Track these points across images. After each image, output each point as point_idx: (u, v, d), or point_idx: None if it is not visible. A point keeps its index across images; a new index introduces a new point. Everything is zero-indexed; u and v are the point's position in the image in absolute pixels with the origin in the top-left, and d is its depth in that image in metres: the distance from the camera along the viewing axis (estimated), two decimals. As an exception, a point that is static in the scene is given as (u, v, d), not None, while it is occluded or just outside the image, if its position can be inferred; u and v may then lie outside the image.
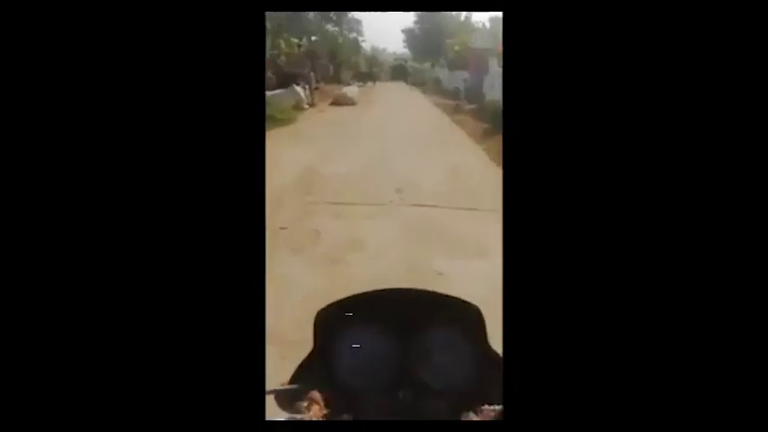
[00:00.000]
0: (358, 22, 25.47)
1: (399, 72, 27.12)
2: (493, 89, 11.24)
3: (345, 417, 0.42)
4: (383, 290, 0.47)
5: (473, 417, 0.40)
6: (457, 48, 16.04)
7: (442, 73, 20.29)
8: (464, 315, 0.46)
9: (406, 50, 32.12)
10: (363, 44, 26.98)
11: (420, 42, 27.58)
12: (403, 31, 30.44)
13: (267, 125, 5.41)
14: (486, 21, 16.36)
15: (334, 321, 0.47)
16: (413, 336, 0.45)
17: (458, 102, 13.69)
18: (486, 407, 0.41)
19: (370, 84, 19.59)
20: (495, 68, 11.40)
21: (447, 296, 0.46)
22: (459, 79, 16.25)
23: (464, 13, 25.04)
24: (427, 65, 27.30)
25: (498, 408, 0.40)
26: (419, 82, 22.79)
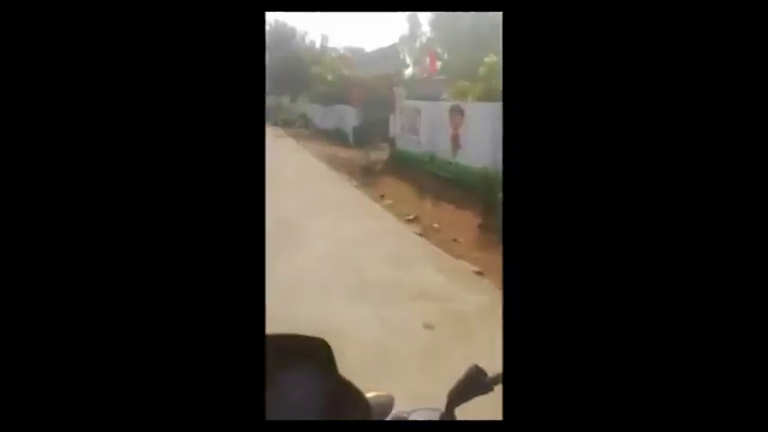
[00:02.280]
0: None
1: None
2: (407, 133, 7.60)
3: None
4: None
5: None
6: (331, 77, 12.19)
7: (313, 110, 16.29)
8: (312, 351, 0.47)
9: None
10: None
11: (273, 72, 23.12)
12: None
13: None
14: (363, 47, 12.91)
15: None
16: (271, 381, 0.43)
17: (347, 148, 9.82)
18: None
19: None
20: (408, 104, 7.72)
21: (294, 336, 0.47)
22: (337, 116, 12.47)
23: (319, 41, 21.94)
24: (285, 99, 23.06)
25: None
26: (282, 120, 18.21)
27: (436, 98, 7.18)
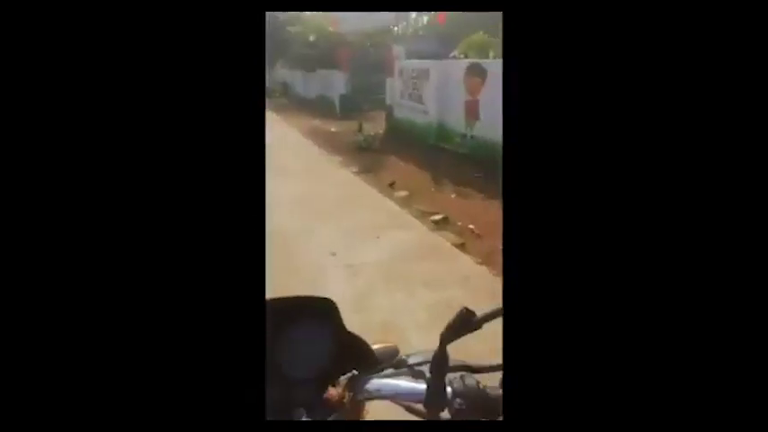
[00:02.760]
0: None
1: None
2: (409, 100, 6.29)
3: None
4: None
5: (332, 392, 0.46)
6: (312, 38, 10.39)
7: (293, 76, 14.49)
8: (318, 309, 0.49)
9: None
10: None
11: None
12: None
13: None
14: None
15: None
16: (275, 338, 0.48)
17: (334, 119, 8.39)
18: (331, 387, 0.47)
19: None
20: (410, 64, 6.32)
21: (302, 297, 0.49)
22: (321, 84, 10.90)
23: None
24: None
25: (339, 386, 0.47)
26: (261, 90, 16.43)
27: (442, 57, 5.87)
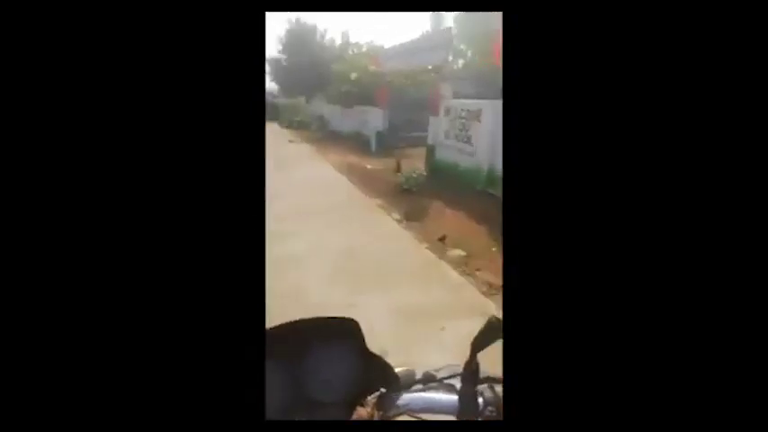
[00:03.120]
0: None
1: (268, 110, 20.66)
2: (455, 140, 5.88)
3: None
4: (269, 329, 0.47)
5: (361, 412, 0.45)
6: (354, 75, 10.48)
7: (330, 111, 14.72)
8: (342, 331, 0.49)
9: (273, 84, 25.58)
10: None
11: (289, 73, 21.58)
12: (267, 61, 24.20)
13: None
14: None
15: None
16: (300, 362, 0.48)
17: (369, 156, 8.13)
18: (360, 407, 0.46)
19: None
20: (459, 104, 5.95)
21: (326, 318, 0.49)
22: (358, 120, 10.86)
23: (340, 38, 20.33)
24: (301, 99, 21.59)
25: (368, 405, 0.46)
26: (297, 122, 16.65)
27: (493, 97, 5.48)
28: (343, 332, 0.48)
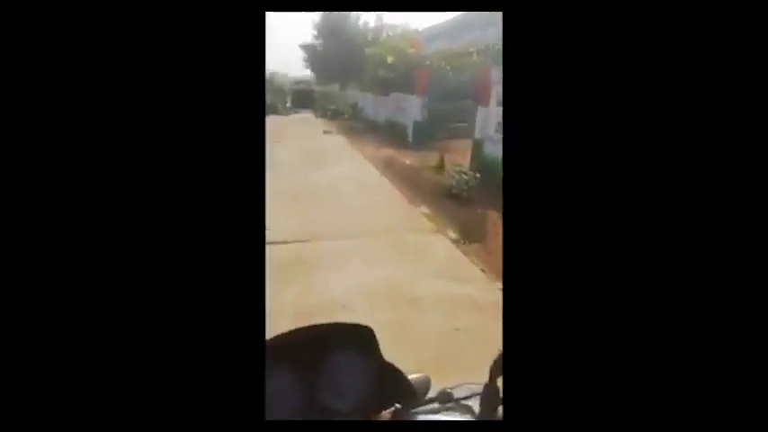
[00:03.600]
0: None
1: (302, 98, 20.41)
2: (500, 135, 5.20)
3: None
4: (285, 333, 0.49)
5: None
6: (391, 59, 9.84)
7: (365, 99, 14.21)
8: (358, 338, 0.49)
9: (308, 72, 25.22)
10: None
11: (324, 60, 21.12)
12: (302, 47, 23.80)
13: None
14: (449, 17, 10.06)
15: None
16: (315, 367, 0.48)
17: (406, 149, 7.54)
18: (384, 413, 0.47)
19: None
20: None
21: (341, 324, 0.49)
22: (394, 108, 10.29)
23: (374, 21, 19.43)
24: (335, 86, 21.15)
25: (382, 419, 0.47)
26: (332, 111, 16.29)
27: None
28: (359, 339, 0.48)
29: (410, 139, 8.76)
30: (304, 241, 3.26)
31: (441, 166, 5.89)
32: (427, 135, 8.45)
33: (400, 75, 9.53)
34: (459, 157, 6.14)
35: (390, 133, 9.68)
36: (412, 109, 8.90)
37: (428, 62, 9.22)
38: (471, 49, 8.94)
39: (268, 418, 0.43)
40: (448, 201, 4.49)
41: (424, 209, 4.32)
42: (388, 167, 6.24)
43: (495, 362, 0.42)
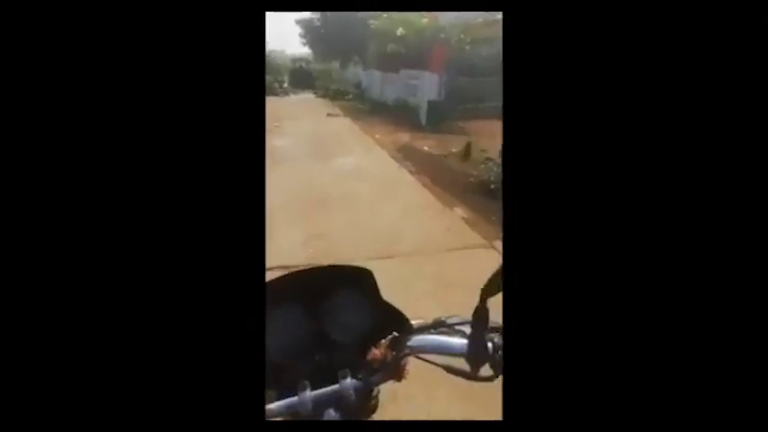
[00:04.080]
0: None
1: (301, 78, 19.21)
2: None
3: (269, 391, 0.47)
4: (292, 273, 0.52)
5: (375, 353, 0.47)
6: (401, 32, 8.73)
7: (369, 77, 13.14)
8: (359, 279, 0.52)
9: (306, 49, 23.78)
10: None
11: (322, 35, 19.75)
12: (298, 22, 22.29)
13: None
14: None
15: None
16: (321, 304, 0.51)
17: (421, 132, 6.64)
18: (374, 348, 0.48)
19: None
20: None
21: (344, 266, 0.52)
22: (404, 86, 9.34)
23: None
24: (335, 64, 19.88)
25: (381, 346, 0.48)
26: (333, 91, 15.20)
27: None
28: (360, 280, 0.51)
29: (423, 120, 7.90)
30: (311, 266, 2.52)
31: (467, 154, 5.09)
32: (443, 116, 7.58)
33: (412, 49, 8.52)
34: (485, 142, 5.33)
35: (400, 114, 8.78)
36: (426, 87, 7.97)
37: (442, 35, 8.22)
38: (492, 19, 7.95)
39: (276, 350, 0.48)
40: (486, 198, 3.71)
41: (461, 211, 3.52)
42: (406, 157, 5.43)
43: (486, 285, 0.40)
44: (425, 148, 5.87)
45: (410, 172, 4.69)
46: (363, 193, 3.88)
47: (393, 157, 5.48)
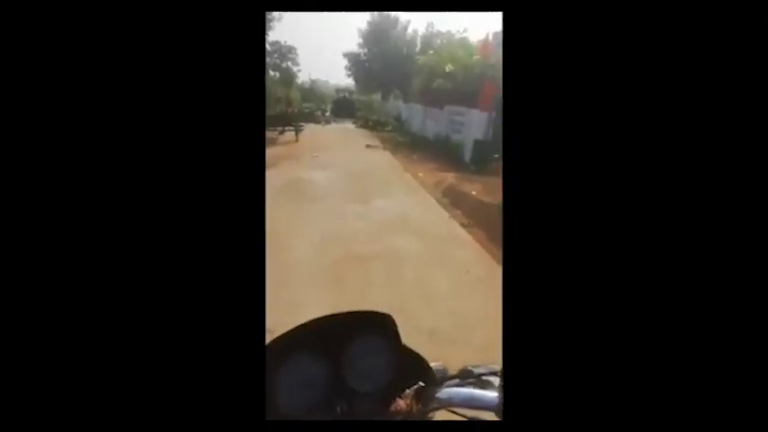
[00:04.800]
0: (290, 48, 17.76)
1: (343, 107, 19.56)
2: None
3: None
4: (311, 321, 0.51)
5: (400, 404, 0.46)
6: (450, 68, 8.45)
7: (409, 110, 12.98)
8: (380, 324, 0.51)
9: (350, 80, 24.45)
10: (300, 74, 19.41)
11: (367, 69, 20.20)
12: (345, 55, 23.07)
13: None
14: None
15: (272, 356, 0.49)
16: (340, 352, 0.50)
17: (462, 172, 6.08)
18: (399, 399, 0.47)
19: (297, 127, 10.80)
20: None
21: (365, 312, 0.51)
22: (447, 122, 8.97)
23: (424, 27, 18.27)
24: (376, 96, 20.14)
25: (406, 397, 0.47)
26: (373, 122, 15.20)
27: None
28: (380, 326, 0.50)
29: (467, 159, 7.39)
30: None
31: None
32: (487, 156, 7.05)
33: (458, 85, 8.18)
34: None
35: (440, 150, 8.34)
36: (473, 125, 7.52)
37: (492, 73, 7.84)
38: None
39: (298, 403, 0.47)
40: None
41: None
42: (455, 202, 4.89)
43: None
44: (473, 193, 5.31)
45: (462, 225, 4.09)
46: (409, 250, 3.31)
47: (437, 199, 4.94)
